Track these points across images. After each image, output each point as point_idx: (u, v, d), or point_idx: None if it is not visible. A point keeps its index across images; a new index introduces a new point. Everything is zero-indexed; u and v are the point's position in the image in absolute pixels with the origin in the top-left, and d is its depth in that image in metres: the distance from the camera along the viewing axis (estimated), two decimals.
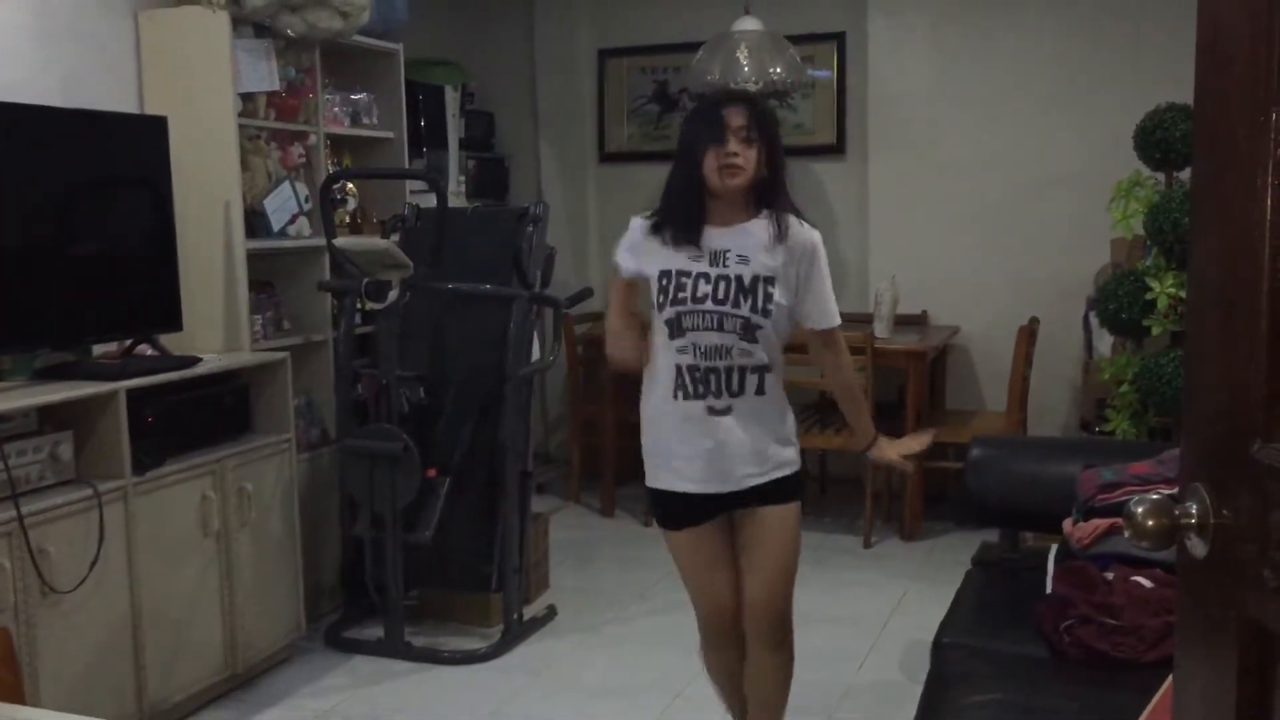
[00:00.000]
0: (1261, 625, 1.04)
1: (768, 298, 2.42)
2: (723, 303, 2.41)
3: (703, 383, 2.44)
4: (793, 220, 2.49)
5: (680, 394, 2.46)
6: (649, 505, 2.65)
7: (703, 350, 2.43)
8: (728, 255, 2.44)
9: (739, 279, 2.42)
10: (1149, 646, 2.34)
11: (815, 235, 2.52)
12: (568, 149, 6.14)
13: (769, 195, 2.49)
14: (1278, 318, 1.04)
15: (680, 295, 2.43)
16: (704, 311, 2.42)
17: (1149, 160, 4.05)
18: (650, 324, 2.53)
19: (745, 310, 2.41)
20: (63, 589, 2.80)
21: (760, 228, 2.47)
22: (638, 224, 2.55)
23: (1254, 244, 1.05)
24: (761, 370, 2.46)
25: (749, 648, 2.64)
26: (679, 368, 2.45)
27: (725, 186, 2.42)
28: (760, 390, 2.46)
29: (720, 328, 2.42)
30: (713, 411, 2.45)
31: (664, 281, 2.45)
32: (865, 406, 2.73)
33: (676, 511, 2.56)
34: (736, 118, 2.42)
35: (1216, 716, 1.11)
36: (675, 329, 2.44)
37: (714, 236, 2.46)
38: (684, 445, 2.48)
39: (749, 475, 2.49)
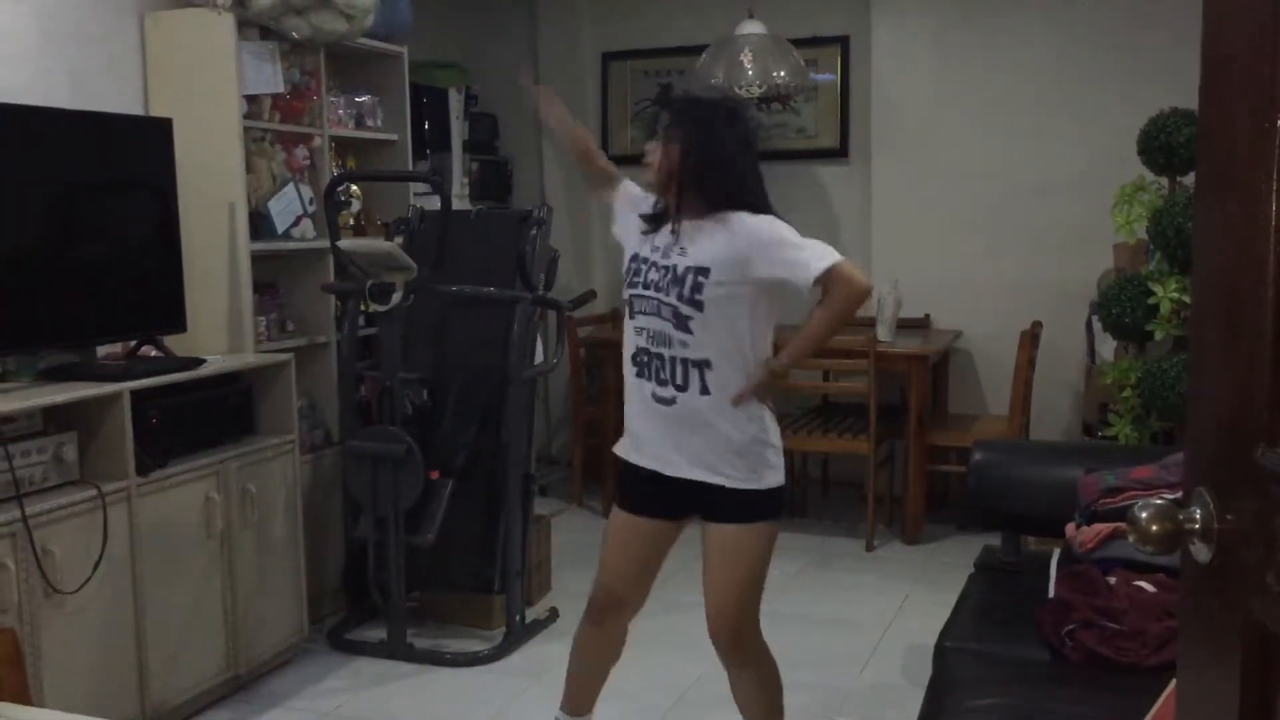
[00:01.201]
0: (1265, 629, 1.04)
1: (696, 288, 2.43)
2: (659, 290, 2.49)
3: (648, 367, 2.53)
4: (738, 215, 2.47)
5: (635, 370, 2.57)
6: (617, 482, 2.74)
7: (650, 335, 2.51)
8: (673, 248, 2.52)
9: (673, 268, 2.48)
10: (1151, 651, 2.34)
11: (761, 220, 2.46)
12: (571, 152, 6.13)
13: (698, 192, 2.49)
14: None
15: (635, 280, 2.55)
16: (647, 297, 2.51)
17: (1152, 165, 4.05)
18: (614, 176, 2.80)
19: (672, 298, 2.46)
20: (66, 589, 2.81)
21: (715, 224, 2.49)
22: (633, 192, 2.74)
23: (1258, 250, 1.06)
24: (702, 366, 2.45)
25: (720, 658, 2.65)
26: (636, 347, 2.56)
27: (650, 185, 2.60)
28: (704, 390, 2.45)
29: (658, 314, 2.49)
30: (657, 399, 2.52)
31: (632, 264, 2.59)
32: (812, 343, 2.56)
33: (632, 490, 2.65)
34: (663, 120, 2.56)
35: (1220, 718, 1.11)
36: (630, 310, 2.57)
37: (673, 229, 2.54)
38: (637, 419, 2.59)
39: (691, 469, 2.50)
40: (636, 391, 2.58)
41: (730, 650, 2.60)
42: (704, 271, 2.44)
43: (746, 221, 2.46)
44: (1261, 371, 1.05)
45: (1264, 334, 1.05)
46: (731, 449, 2.47)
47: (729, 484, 2.48)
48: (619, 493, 2.71)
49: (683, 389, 2.48)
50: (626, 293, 2.58)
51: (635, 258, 2.59)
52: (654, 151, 2.53)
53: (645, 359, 2.53)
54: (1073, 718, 2.13)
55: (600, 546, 2.74)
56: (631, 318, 2.57)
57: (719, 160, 2.49)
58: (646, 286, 2.52)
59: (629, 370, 2.60)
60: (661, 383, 2.51)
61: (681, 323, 2.45)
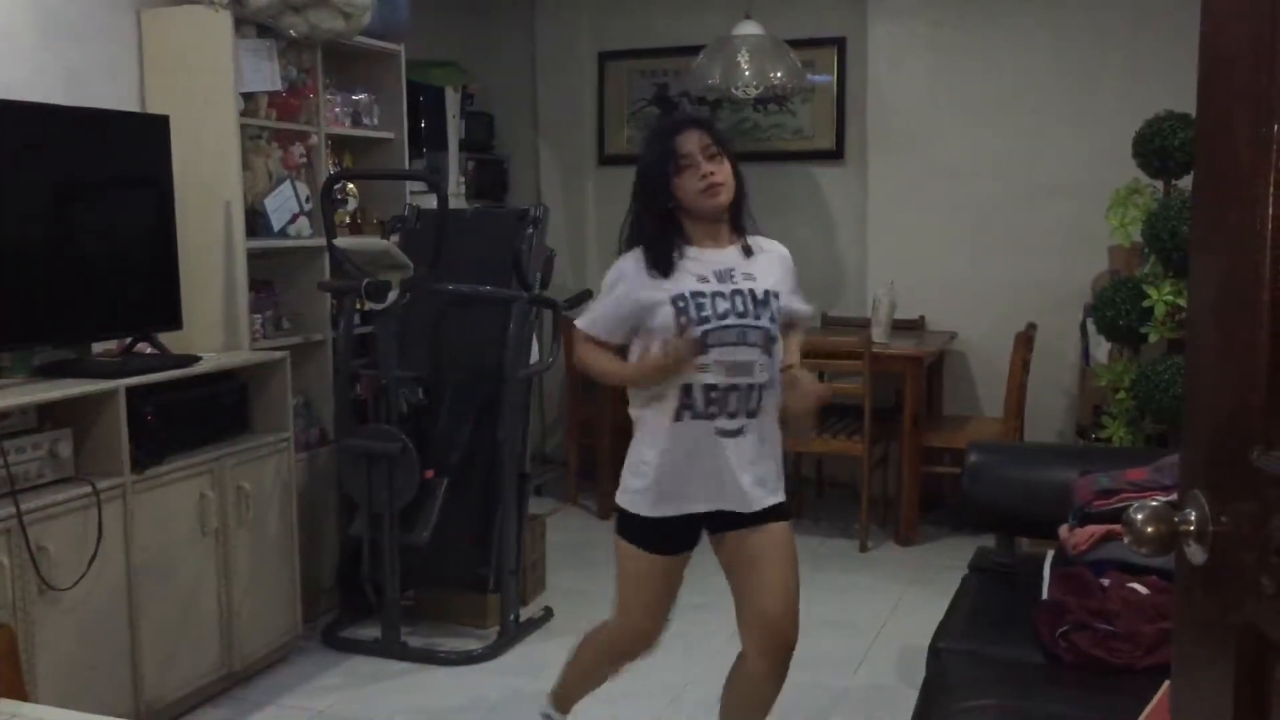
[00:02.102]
0: (1259, 631, 1.05)
1: (778, 311, 2.45)
2: (744, 316, 2.40)
3: (717, 403, 2.39)
4: (762, 239, 2.55)
5: (687, 414, 2.40)
6: (630, 531, 2.52)
7: (727, 368, 2.39)
8: (733, 273, 2.44)
9: (752, 292, 2.42)
10: (1145, 652, 2.34)
11: (782, 250, 2.59)
12: (567, 151, 6.14)
13: (738, 214, 2.50)
14: (1277, 326, 1.05)
15: (703, 314, 2.38)
16: (728, 327, 2.39)
17: (1147, 168, 4.06)
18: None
19: (765, 322, 2.41)
20: (61, 586, 2.80)
21: (746, 247, 2.50)
22: (630, 259, 2.48)
23: (1254, 253, 1.06)
24: (772, 388, 2.46)
25: (748, 675, 2.58)
26: (690, 388, 2.39)
27: (713, 206, 2.42)
28: (766, 411, 2.46)
29: (744, 341, 2.40)
30: (722, 433, 2.41)
31: (680, 304, 2.39)
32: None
33: (671, 535, 2.50)
34: (697, 139, 2.41)
35: None
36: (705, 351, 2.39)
37: (709, 259, 2.45)
38: (693, 468, 2.43)
39: (760, 495, 2.46)
40: (684, 437, 2.41)
41: (788, 652, 2.53)
42: (777, 295, 2.47)
43: (777, 246, 2.55)
44: (1257, 374, 1.06)
45: (1260, 337, 1.05)
46: (777, 460, 2.52)
47: (781, 496, 2.52)
48: (649, 540, 2.50)
49: (754, 414, 2.43)
50: (695, 332, 2.37)
51: (681, 297, 2.39)
52: (720, 169, 2.41)
53: (711, 397, 2.39)
54: (1066, 719, 2.14)
55: (622, 587, 2.59)
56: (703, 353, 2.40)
57: (743, 178, 2.51)
58: (722, 316, 2.39)
59: (666, 418, 2.42)
60: (731, 415, 2.40)
61: (769, 347, 2.42)
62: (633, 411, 2.52)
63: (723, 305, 2.39)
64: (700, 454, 2.42)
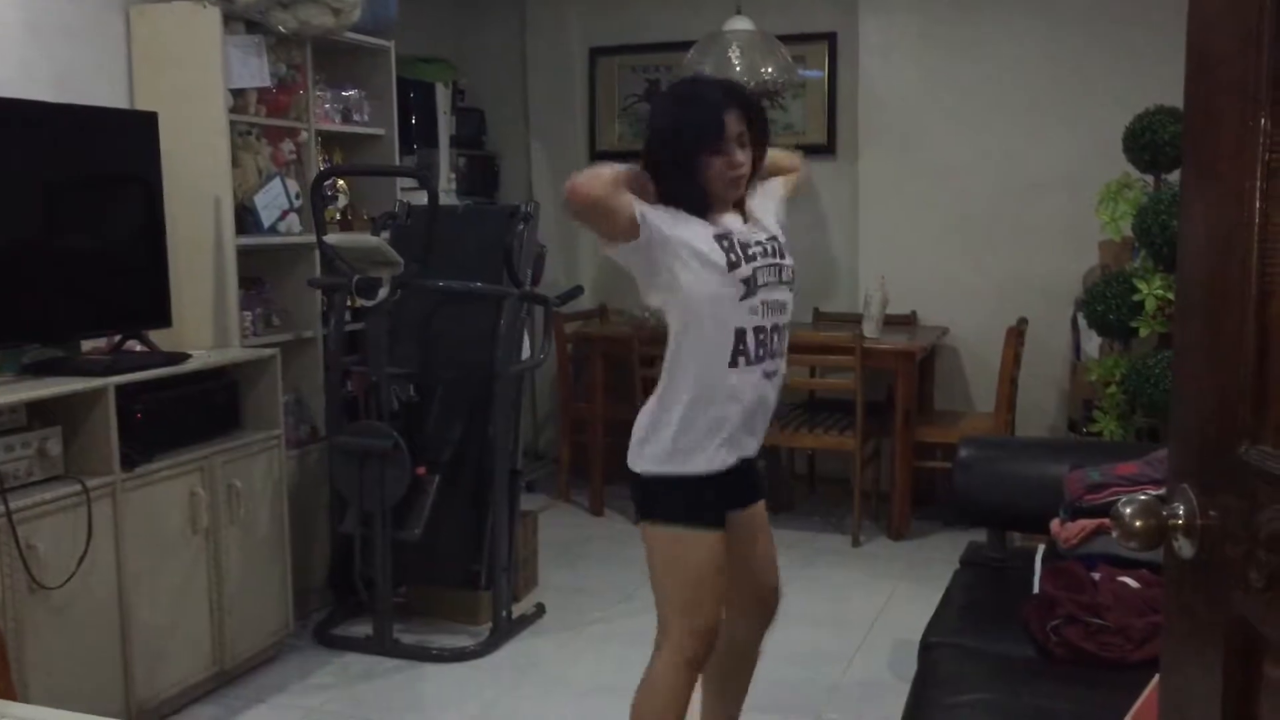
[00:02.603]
0: (1247, 624, 1.05)
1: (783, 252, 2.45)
2: (774, 255, 2.37)
3: (763, 345, 2.33)
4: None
5: (742, 359, 2.31)
6: (677, 504, 2.35)
7: (770, 307, 2.34)
8: (756, 224, 2.43)
9: (773, 238, 2.42)
10: (1135, 646, 2.35)
11: (768, 183, 2.56)
12: (559, 147, 6.14)
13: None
14: (1265, 321, 1.05)
15: (750, 251, 2.31)
16: (770, 265, 2.34)
17: (1138, 162, 4.07)
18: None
19: (789, 259, 2.42)
20: (51, 585, 2.80)
21: (745, 212, 2.46)
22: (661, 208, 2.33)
23: (1242, 247, 1.06)
24: (788, 329, 2.46)
25: (752, 637, 2.66)
26: (742, 331, 2.30)
27: (734, 196, 2.37)
28: (784, 354, 2.45)
29: (781, 280, 2.38)
30: (766, 375, 2.36)
31: (724, 243, 2.29)
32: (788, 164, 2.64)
33: (705, 499, 2.36)
34: (737, 124, 2.32)
35: (1203, 713, 1.12)
36: (750, 286, 2.30)
37: (733, 219, 2.41)
38: (745, 416, 2.35)
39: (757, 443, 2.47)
40: (737, 384, 2.33)
41: (771, 621, 2.65)
42: (784, 233, 2.48)
43: (762, 186, 2.52)
44: (1245, 368, 1.06)
45: (1247, 331, 1.05)
46: None
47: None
48: (700, 510, 2.36)
49: (781, 355, 2.42)
50: (746, 269, 2.29)
51: (723, 235, 2.31)
52: (746, 157, 2.34)
53: (760, 339, 2.33)
54: (1057, 713, 2.14)
55: (684, 585, 2.39)
56: (747, 296, 2.30)
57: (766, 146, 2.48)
58: (768, 254, 2.35)
59: (720, 364, 2.31)
60: (773, 356, 2.37)
61: (792, 284, 2.42)
62: (672, 367, 2.36)
63: (757, 245, 2.35)
64: (752, 399, 2.35)
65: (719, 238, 2.30)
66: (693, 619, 2.38)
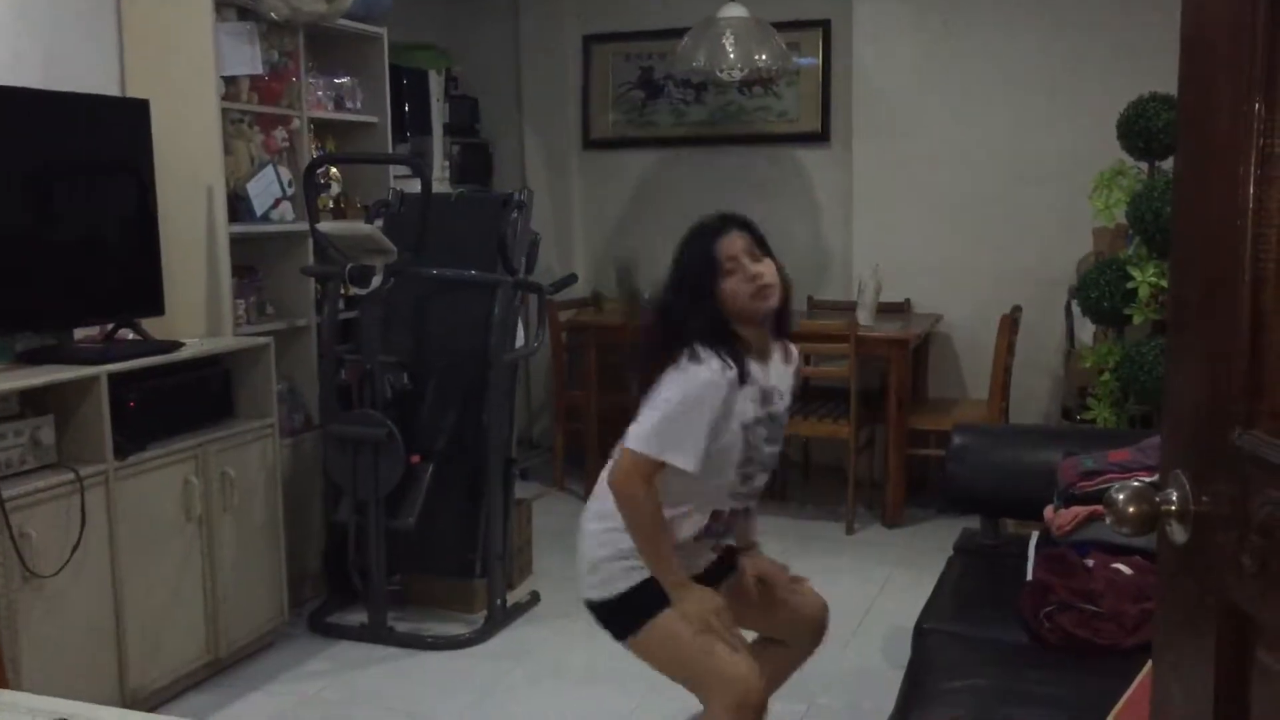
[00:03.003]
0: (1240, 609, 1.05)
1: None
2: (772, 441, 2.41)
3: (726, 523, 2.44)
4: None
5: (707, 539, 2.44)
6: (637, 610, 2.36)
7: (744, 494, 2.43)
8: (773, 393, 2.38)
9: (778, 418, 2.41)
10: (1128, 632, 2.36)
11: (795, 348, 2.54)
12: (552, 135, 6.12)
13: (782, 316, 2.41)
14: (1259, 306, 1.05)
15: (757, 442, 2.36)
16: (764, 458, 2.40)
17: (1132, 149, 4.06)
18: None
19: (779, 446, 2.45)
20: (44, 573, 2.79)
21: (781, 354, 2.45)
22: (714, 368, 2.24)
23: (1236, 232, 1.06)
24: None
25: (803, 657, 2.71)
26: (719, 513, 2.41)
27: (764, 309, 2.32)
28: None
29: (767, 467, 2.43)
30: (714, 549, 2.49)
31: (749, 437, 2.33)
32: None
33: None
34: (738, 241, 2.31)
35: (1196, 699, 1.12)
36: (747, 478, 2.39)
37: (758, 376, 2.34)
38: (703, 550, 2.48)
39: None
40: (693, 548, 2.43)
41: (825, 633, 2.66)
42: (788, 408, 2.48)
43: (794, 350, 2.52)
44: (1238, 354, 1.06)
45: (1241, 317, 1.05)
46: None
47: None
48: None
49: (741, 520, 2.54)
50: (749, 468, 2.37)
51: (748, 428, 2.32)
52: (768, 269, 2.32)
53: (726, 518, 2.43)
54: (1050, 698, 2.15)
55: (700, 659, 2.34)
56: (745, 483, 2.40)
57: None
58: (771, 442, 2.40)
59: (696, 537, 2.40)
60: (723, 535, 2.48)
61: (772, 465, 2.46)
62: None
63: (762, 432, 2.36)
64: (697, 564, 2.45)
65: (745, 428, 2.30)
66: (724, 685, 2.29)
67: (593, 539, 2.40)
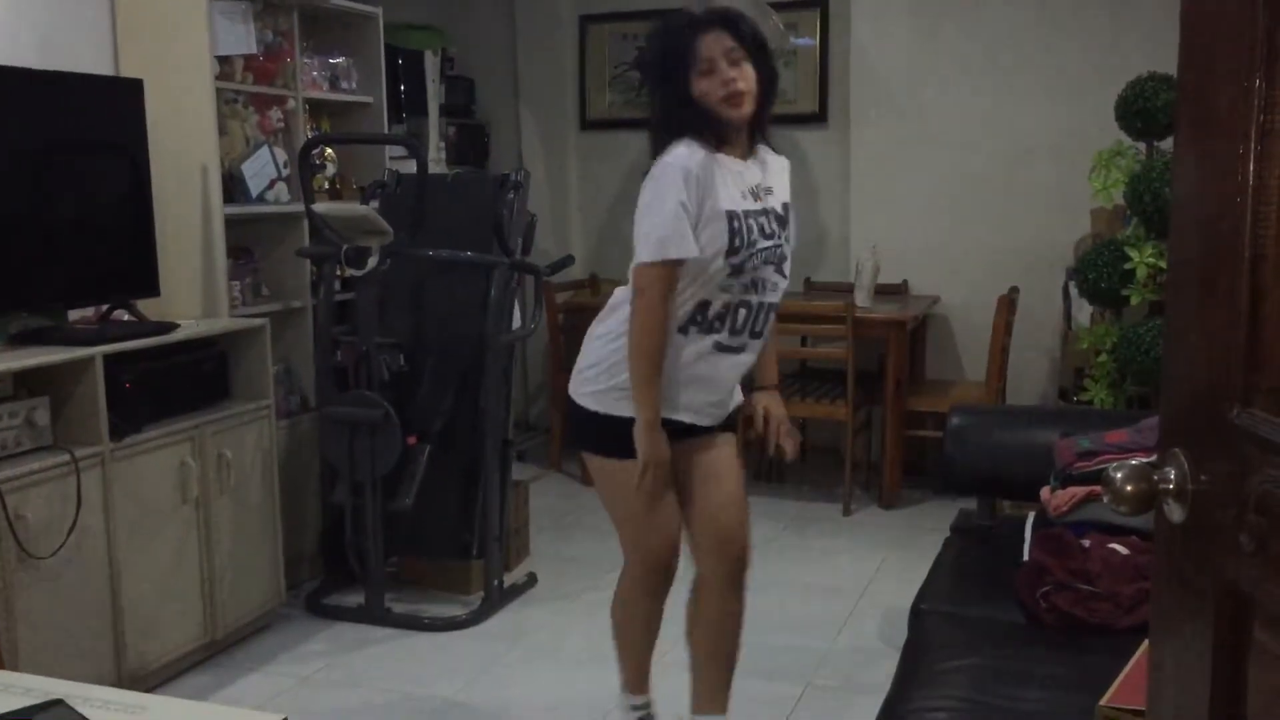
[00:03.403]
0: (1237, 588, 1.05)
1: (793, 226, 2.43)
2: (771, 237, 2.35)
3: (722, 318, 2.34)
4: (768, 149, 2.46)
5: (694, 328, 2.35)
6: (610, 440, 2.40)
7: (745, 286, 2.34)
8: (757, 189, 2.37)
9: (775, 212, 2.38)
10: (1125, 612, 2.36)
11: (785, 164, 2.52)
12: (549, 116, 6.10)
13: (760, 122, 2.39)
14: (1258, 285, 1.04)
15: (751, 238, 2.31)
16: (761, 249, 2.33)
17: (1130, 130, 4.05)
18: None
19: (784, 241, 2.39)
20: (40, 555, 2.79)
21: (764, 155, 2.43)
22: (685, 154, 2.27)
23: (1235, 211, 1.06)
24: (774, 310, 2.44)
25: (710, 593, 2.57)
26: (706, 304, 2.33)
27: (736, 116, 2.29)
28: (764, 334, 2.45)
29: (770, 261, 2.36)
30: (720, 348, 2.37)
31: (734, 224, 2.29)
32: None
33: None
34: (720, 42, 2.27)
35: (1192, 678, 1.12)
36: (738, 271, 2.31)
37: (738, 171, 2.34)
38: (687, 380, 2.38)
39: (724, 412, 2.51)
40: (688, 347, 2.36)
41: (742, 564, 2.55)
42: (789, 206, 2.44)
43: (777, 156, 2.47)
44: (1237, 332, 1.05)
45: (1239, 294, 1.05)
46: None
47: (736, 402, 2.53)
48: (628, 445, 2.41)
49: (758, 335, 2.41)
50: (743, 254, 2.30)
51: (736, 216, 2.30)
52: (743, 75, 2.27)
53: (723, 310, 2.34)
54: (1046, 678, 2.15)
55: (627, 517, 2.49)
56: (733, 275, 2.32)
57: (775, 79, 2.40)
58: (754, 242, 2.31)
59: (683, 329, 2.35)
60: (734, 332, 2.37)
61: (783, 265, 2.39)
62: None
63: (756, 227, 2.32)
64: (696, 367, 2.38)
65: (731, 217, 2.29)
66: (636, 542, 2.52)
67: (598, 342, 2.48)
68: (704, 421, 2.47)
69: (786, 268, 2.42)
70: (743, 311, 2.36)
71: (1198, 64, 1.16)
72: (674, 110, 2.32)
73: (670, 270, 2.27)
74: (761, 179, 2.40)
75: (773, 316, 2.45)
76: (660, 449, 2.34)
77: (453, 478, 3.84)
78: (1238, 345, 1.05)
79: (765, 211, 2.37)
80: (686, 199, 2.25)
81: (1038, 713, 2.02)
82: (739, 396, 2.56)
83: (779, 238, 2.38)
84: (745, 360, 2.44)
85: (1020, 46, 5.18)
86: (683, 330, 2.36)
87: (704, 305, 2.34)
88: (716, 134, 2.32)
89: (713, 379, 2.42)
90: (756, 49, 2.32)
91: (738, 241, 2.29)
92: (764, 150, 2.45)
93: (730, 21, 2.31)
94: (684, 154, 2.27)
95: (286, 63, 3.88)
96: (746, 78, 2.29)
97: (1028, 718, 2.01)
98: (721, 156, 2.33)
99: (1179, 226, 1.20)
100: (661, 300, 2.28)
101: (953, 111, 5.31)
